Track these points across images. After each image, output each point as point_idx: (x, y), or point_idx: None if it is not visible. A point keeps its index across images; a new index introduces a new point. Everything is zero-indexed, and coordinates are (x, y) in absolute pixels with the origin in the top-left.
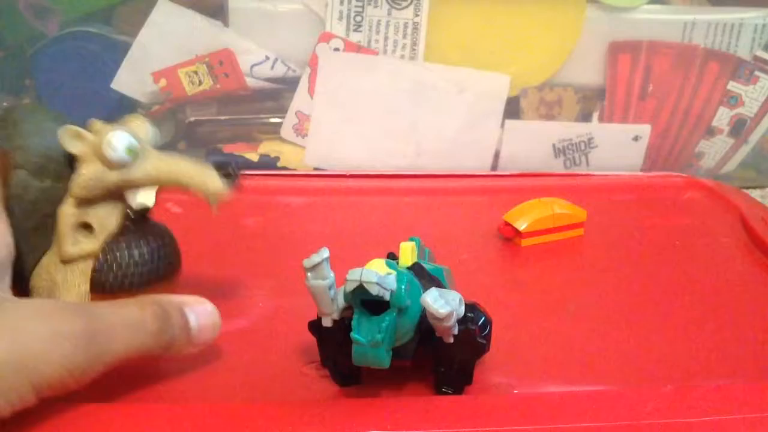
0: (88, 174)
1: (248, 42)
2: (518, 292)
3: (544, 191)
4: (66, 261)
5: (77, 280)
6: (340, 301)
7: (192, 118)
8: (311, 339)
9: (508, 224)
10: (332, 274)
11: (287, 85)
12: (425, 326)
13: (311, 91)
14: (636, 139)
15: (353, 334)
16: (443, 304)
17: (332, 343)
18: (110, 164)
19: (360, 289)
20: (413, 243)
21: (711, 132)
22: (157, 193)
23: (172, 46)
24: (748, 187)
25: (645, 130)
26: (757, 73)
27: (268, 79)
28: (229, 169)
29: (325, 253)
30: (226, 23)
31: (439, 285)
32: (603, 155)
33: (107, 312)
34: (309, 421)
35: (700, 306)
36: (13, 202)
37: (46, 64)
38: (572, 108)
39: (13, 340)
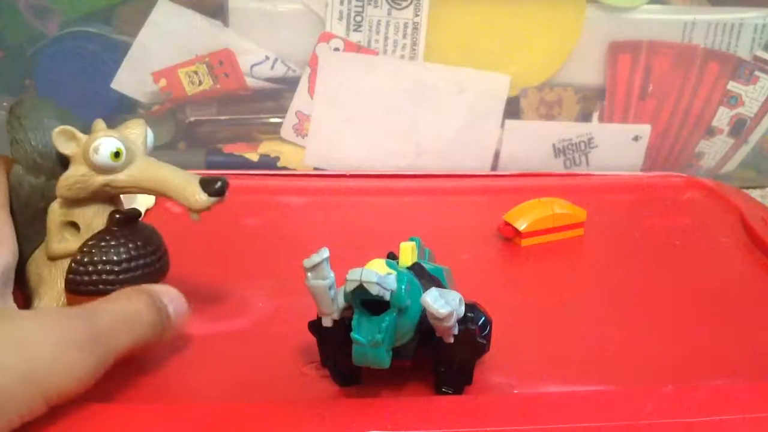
0: (73, 176)
1: (248, 42)
2: (518, 292)
3: (544, 191)
4: (52, 258)
5: (59, 278)
6: (340, 301)
7: (192, 118)
8: (311, 339)
9: (508, 224)
10: (332, 274)
11: (287, 85)
12: (425, 326)
13: (311, 91)
14: (636, 139)
15: (353, 334)
16: (443, 304)
17: (332, 343)
18: (96, 168)
19: (360, 289)
20: (413, 243)
21: (711, 132)
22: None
23: (172, 46)
24: (748, 187)
25: (645, 130)
26: (757, 73)
27: (268, 79)
28: (214, 184)
29: (325, 253)
30: (226, 23)
31: (439, 285)
32: (603, 155)
33: (104, 311)
34: (309, 421)
35: (700, 306)
36: (9, 195)
37: (46, 64)
38: (572, 108)
39: (22, 355)
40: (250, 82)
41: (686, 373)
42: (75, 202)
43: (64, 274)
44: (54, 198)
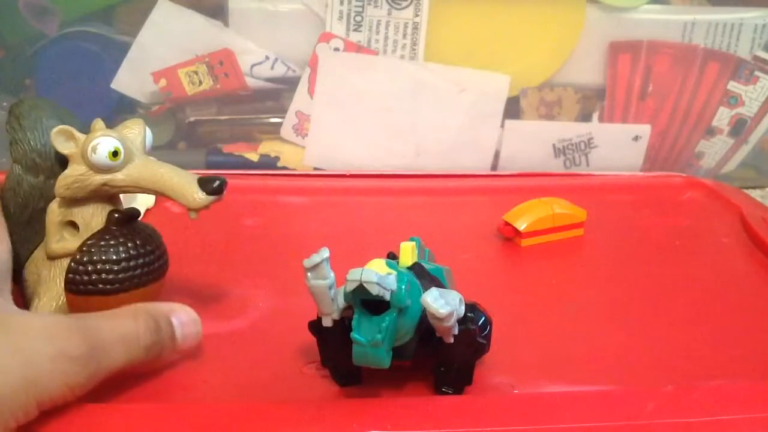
0: (72, 175)
1: (248, 42)
2: (518, 292)
3: (544, 191)
4: (51, 257)
5: (59, 278)
6: (340, 301)
7: (192, 118)
8: (311, 339)
9: (508, 224)
10: (332, 274)
11: (287, 85)
12: (425, 326)
13: (311, 91)
14: (636, 139)
15: (353, 334)
16: (443, 304)
17: (332, 343)
18: (94, 167)
19: (360, 289)
20: (413, 243)
21: (711, 132)
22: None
23: (172, 46)
24: (748, 187)
25: (645, 130)
26: (757, 73)
27: (268, 79)
28: (212, 183)
29: (325, 253)
30: (226, 23)
31: (440, 285)
32: (603, 155)
33: (104, 327)
34: (309, 421)
35: (700, 306)
36: (7, 195)
37: (46, 64)
38: (572, 108)
39: (22, 360)
40: (250, 82)
41: (686, 373)
42: (74, 201)
43: (63, 273)
44: (53, 198)
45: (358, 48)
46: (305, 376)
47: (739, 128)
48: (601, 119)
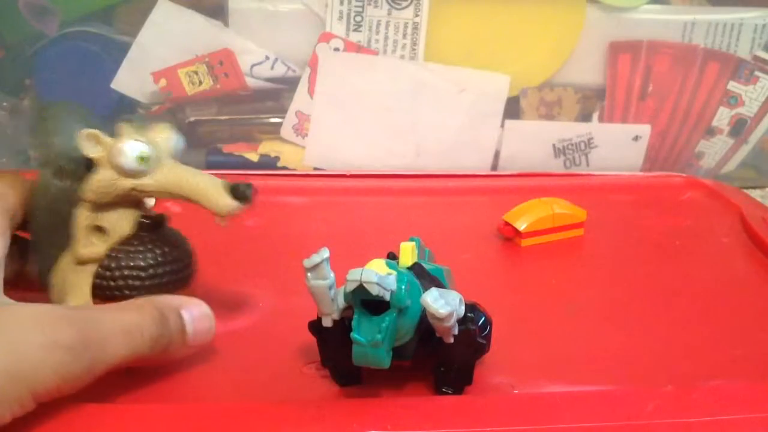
0: (99, 179)
1: (248, 42)
2: (518, 292)
3: (544, 191)
4: (78, 262)
5: (85, 283)
6: (340, 301)
7: (192, 118)
8: (311, 339)
9: (508, 224)
10: (332, 274)
11: (287, 85)
12: (425, 326)
13: (311, 91)
14: (636, 139)
15: (353, 334)
16: (443, 304)
17: (332, 343)
18: (121, 171)
19: (360, 289)
20: (413, 243)
21: (711, 132)
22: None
23: (172, 46)
24: (748, 187)
25: (645, 130)
26: (757, 73)
27: (268, 79)
28: (241, 189)
29: (325, 253)
30: (226, 23)
31: (440, 285)
32: (603, 155)
33: (105, 318)
34: (309, 421)
35: (700, 306)
36: (35, 199)
37: (46, 64)
38: (572, 108)
39: (11, 350)
40: (250, 82)
41: (686, 373)
42: (101, 206)
43: (90, 278)
44: (80, 202)
45: (358, 48)
46: (305, 376)
47: (739, 128)
48: (601, 119)
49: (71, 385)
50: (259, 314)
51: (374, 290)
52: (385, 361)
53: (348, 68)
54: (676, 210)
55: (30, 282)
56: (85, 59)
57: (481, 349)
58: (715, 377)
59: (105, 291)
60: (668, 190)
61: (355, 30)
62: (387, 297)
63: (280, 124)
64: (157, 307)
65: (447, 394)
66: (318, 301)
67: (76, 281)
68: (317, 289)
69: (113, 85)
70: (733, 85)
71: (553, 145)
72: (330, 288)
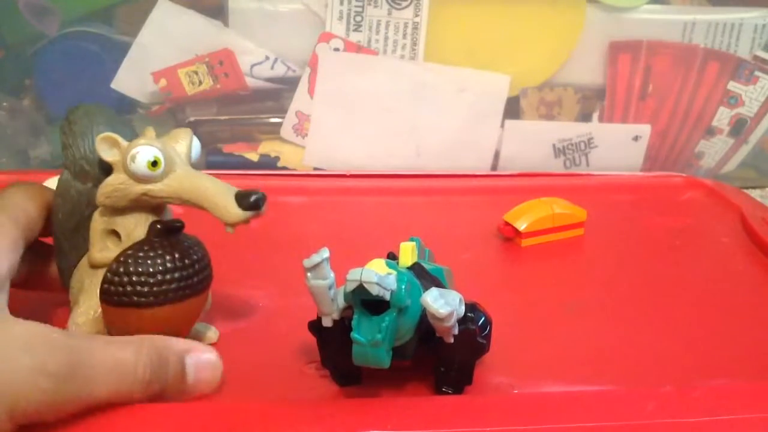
0: (112, 183)
1: (248, 42)
2: (518, 292)
3: (544, 191)
4: (93, 266)
5: (98, 287)
6: (340, 301)
7: (192, 118)
8: (311, 339)
9: (508, 224)
10: (332, 274)
11: (287, 85)
12: (425, 326)
13: (311, 91)
14: (636, 139)
15: (353, 334)
16: (443, 303)
17: (332, 343)
18: (133, 176)
19: (360, 289)
20: (413, 243)
21: (711, 132)
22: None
23: (172, 46)
24: (748, 187)
25: (645, 130)
26: (757, 73)
27: (268, 79)
28: (252, 198)
29: (325, 253)
30: (226, 23)
31: (440, 285)
32: (603, 155)
33: (98, 351)
34: (309, 420)
35: (700, 306)
36: (57, 201)
37: (46, 64)
38: (572, 108)
39: None
40: (250, 82)
41: (686, 372)
42: (117, 210)
43: None
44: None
45: (358, 48)
46: (305, 376)
47: (739, 128)
48: (601, 119)
49: (52, 413)
50: (259, 314)
51: (374, 290)
52: (385, 361)
53: (348, 68)
54: (676, 210)
55: (50, 283)
56: (85, 59)
57: (481, 349)
58: (715, 377)
59: (112, 296)
60: (668, 190)
61: (355, 30)
62: (387, 297)
63: (280, 124)
64: (158, 349)
65: (447, 393)
66: (318, 300)
67: (89, 285)
68: (317, 288)
69: (113, 85)
70: (733, 85)
71: (553, 145)
72: (330, 288)
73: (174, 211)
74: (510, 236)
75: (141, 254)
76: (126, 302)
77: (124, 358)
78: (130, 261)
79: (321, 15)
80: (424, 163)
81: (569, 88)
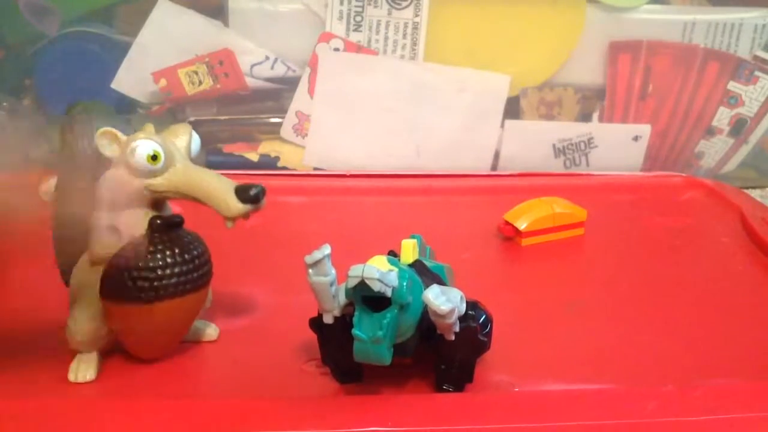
0: (111, 178)
1: (248, 42)
2: (519, 291)
3: (544, 191)
4: (94, 262)
5: (97, 283)
6: (342, 298)
7: (192, 118)
8: (312, 337)
9: (508, 223)
10: (333, 271)
11: (287, 85)
12: (426, 323)
13: (311, 91)
14: (636, 139)
15: (354, 331)
16: (445, 300)
17: (333, 340)
18: (133, 171)
19: (362, 286)
20: (414, 240)
21: (711, 132)
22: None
23: (172, 46)
24: (748, 187)
25: (645, 130)
26: (757, 73)
27: (268, 79)
28: (251, 192)
29: (326, 249)
30: (226, 23)
31: (441, 282)
32: (603, 155)
33: None
34: (310, 417)
35: (700, 305)
36: (57, 198)
37: (46, 64)
38: (572, 108)
39: None
40: (250, 82)
41: (687, 372)
42: (117, 206)
43: None
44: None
45: (358, 48)
46: (306, 374)
47: (739, 128)
48: (601, 119)
49: None
50: (260, 312)
51: (376, 286)
52: (387, 358)
53: (348, 68)
54: (676, 210)
55: None
56: (85, 59)
57: (482, 347)
58: (715, 376)
59: (113, 292)
60: (668, 190)
61: (355, 30)
62: (388, 293)
63: (280, 124)
64: None
65: (448, 391)
66: (319, 297)
67: (90, 281)
68: (318, 285)
69: (113, 85)
70: (733, 85)
71: (553, 145)
72: (331, 284)
73: (173, 209)
74: (510, 236)
75: (141, 249)
76: (126, 297)
77: None
78: (130, 256)
79: (321, 15)
80: (424, 162)
81: (569, 88)
